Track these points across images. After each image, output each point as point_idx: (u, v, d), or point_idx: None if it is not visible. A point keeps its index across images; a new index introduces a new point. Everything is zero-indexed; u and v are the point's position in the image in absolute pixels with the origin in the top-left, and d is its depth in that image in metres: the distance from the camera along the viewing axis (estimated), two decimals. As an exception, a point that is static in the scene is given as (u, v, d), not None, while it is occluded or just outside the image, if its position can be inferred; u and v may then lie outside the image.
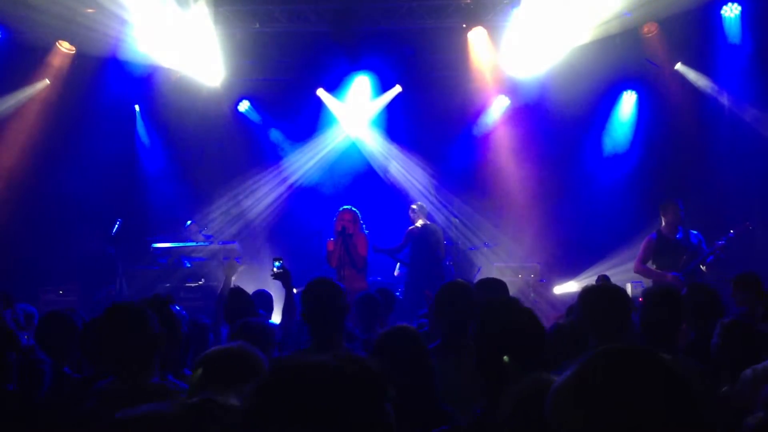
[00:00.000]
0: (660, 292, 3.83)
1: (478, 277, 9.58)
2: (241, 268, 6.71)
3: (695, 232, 7.83)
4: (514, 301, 2.54)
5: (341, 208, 8.59)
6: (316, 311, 3.67)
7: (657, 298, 3.70)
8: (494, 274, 9.48)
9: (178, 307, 3.25)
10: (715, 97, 10.17)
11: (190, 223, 10.64)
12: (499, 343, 2.34)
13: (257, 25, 10.37)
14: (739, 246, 7.73)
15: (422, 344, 3.12)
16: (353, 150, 11.91)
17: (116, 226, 9.36)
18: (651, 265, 7.86)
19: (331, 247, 8.46)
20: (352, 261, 8.18)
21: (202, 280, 9.64)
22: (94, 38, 9.72)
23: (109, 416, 2.26)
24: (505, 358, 2.21)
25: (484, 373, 2.36)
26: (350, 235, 8.25)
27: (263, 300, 5.96)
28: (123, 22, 9.58)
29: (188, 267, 9.87)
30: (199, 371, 2.21)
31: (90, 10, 9.38)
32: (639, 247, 8.03)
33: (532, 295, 9.62)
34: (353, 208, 8.57)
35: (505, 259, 10.43)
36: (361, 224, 8.56)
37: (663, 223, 7.88)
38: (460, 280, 4.20)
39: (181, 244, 10.10)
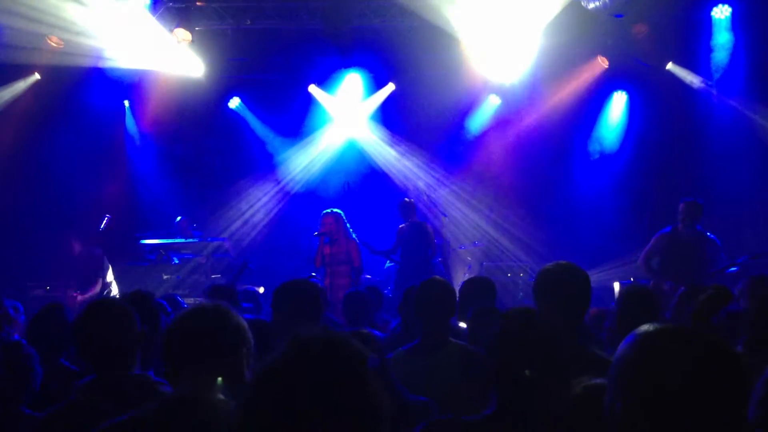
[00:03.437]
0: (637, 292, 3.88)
1: (468, 275, 9.62)
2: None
3: (713, 236, 7.54)
4: (532, 313, 2.50)
5: (323, 212, 8.76)
6: (286, 315, 3.66)
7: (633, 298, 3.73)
8: (484, 273, 9.56)
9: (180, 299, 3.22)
10: (705, 98, 10.21)
11: (180, 219, 10.61)
12: (520, 355, 2.32)
13: (249, 22, 10.33)
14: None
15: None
16: (345, 147, 11.90)
17: (104, 221, 9.31)
18: (655, 262, 7.60)
19: (317, 247, 8.72)
20: (337, 261, 8.37)
21: (219, 275, 9.59)
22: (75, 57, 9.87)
23: (89, 410, 2.25)
24: (527, 372, 2.22)
25: (499, 382, 2.34)
26: (334, 240, 8.50)
27: (249, 298, 6.02)
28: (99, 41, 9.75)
29: (177, 263, 9.85)
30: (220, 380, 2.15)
31: (56, 43, 9.48)
32: (629, 247, 7.99)
33: (521, 294, 9.65)
34: (335, 211, 8.73)
35: (494, 258, 10.45)
36: (347, 228, 8.68)
37: (680, 222, 7.57)
38: (437, 277, 4.15)
39: (169, 240, 10.07)
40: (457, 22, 9.70)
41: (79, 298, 8.51)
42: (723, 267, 7.32)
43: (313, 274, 6.49)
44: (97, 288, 8.83)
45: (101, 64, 10.18)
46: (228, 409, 2.02)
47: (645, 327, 1.36)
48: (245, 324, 2.24)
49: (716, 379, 1.27)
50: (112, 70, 10.40)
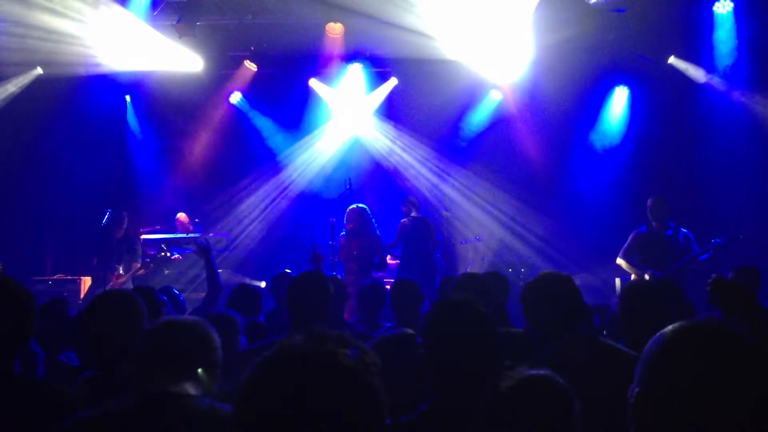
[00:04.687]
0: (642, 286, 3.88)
1: (469, 270, 9.62)
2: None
3: (685, 230, 7.71)
4: (466, 302, 2.49)
5: (349, 207, 8.63)
6: (299, 302, 3.67)
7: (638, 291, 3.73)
8: (485, 269, 9.55)
9: (176, 292, 3.23)
10: (707, 92, 10.19)
11: (180, 215, 10.61)
12: (448, 345, 2.34)
13: (250, 17, 10.32)
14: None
15: None
16: (347, 142, 11.87)
17: (106, 216, 9.32)
18: (634, 259, 7.79)
19: (342, 242, 8.59)
20: (359, 257, 8.32)
21: (221, 270, 9.61)
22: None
23: (87, 404, 2.26)
24: (507, 362, 2.20)
25: (434, 373, 2.34)
26: (358, 235, 8.42)
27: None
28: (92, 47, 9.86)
29: (178, 258, 9.86)
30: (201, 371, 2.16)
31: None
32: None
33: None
34: (360, 206, 8.61)
35: (496, 254, 10.44)
36: (373, 223, 8.62)
37: (652, 219, 7.78)
38: (472, 272, 4.31)
39: (170, 236, 10.07)
40: (456, 19, 9.70)
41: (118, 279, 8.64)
42: (694, 255, 7.49)
43: (288, 270, 6.51)
44: (134, 270, 8.90)
45: (101, 71, 10.24)
46: (200, 405, 2.04)
47: (675, 324, 1.36)
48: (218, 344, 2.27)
49: (739, 375, 1.26)
50: (113, 72, 10.48)
